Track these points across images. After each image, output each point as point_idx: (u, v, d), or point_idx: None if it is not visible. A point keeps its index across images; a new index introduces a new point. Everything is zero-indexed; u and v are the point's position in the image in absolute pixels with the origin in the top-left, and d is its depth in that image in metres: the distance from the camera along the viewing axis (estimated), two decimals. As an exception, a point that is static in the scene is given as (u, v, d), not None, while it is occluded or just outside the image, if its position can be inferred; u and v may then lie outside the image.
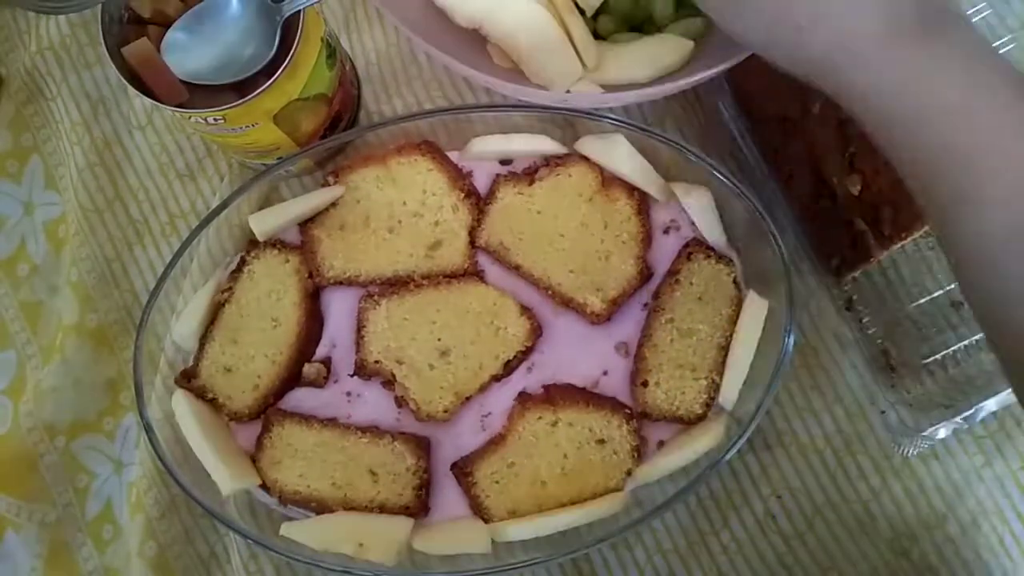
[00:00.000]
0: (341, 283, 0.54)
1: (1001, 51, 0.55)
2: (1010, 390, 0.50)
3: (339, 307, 0.55)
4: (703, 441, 0.50)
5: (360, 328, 0.53)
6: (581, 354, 0.53)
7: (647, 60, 0.52)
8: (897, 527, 0.53)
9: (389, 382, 0.53)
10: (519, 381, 0.53)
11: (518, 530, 0.50)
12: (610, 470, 0.51)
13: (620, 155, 0.52)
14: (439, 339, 0.53)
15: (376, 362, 0.53)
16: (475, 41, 0.54)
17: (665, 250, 0.54)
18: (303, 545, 0.50)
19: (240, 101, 0.46)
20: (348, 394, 0.54)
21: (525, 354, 0.53)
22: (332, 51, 0.51)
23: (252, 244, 0.55)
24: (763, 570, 0.54)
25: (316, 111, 0.52)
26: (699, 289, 0.52)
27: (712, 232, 0.53)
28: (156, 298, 0.52)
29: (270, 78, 0.46)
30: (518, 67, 0.53)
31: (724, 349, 0.52)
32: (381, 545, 0.49)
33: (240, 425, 0.54)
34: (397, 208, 0.54)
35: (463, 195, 0.54)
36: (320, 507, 0.52)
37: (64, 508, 0.58)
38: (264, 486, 0.53)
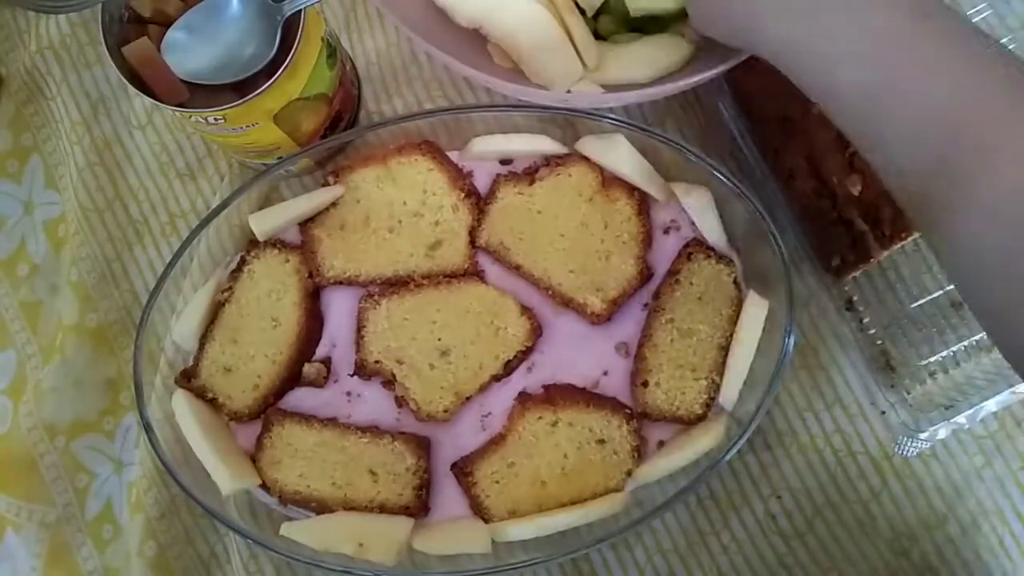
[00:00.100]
0: (341, 283, 0.54)
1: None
2: (1010, 390, 0.50)
3: (339, 307, 0.55)
4: (703, 441, 0.50)
5: (360, 328, 0.53)
6: (581, 354, 0.53)
7: (647, 60, 0.52)
8: (897, 527, 0.53)
9: (389, 382, 0.53)
10: (519, 381, 0.53)
11: (518, 530, 0.50)
12: (610, 470, 0.51)
13: (620, 155, 0.52)
14: (439, 339, 0.53)
15: (376, 362, 0.53)
16: (475, 41, 0.54)
17: (665, 250, 0.54)
18: (303, 545, 0.50)
19: (240, 101, 0.46)
20: (348, 394, 0.54)
21: (525, 354, 0.53)
22: (332, 51, 0.51)
23: (252, 244, 0.55)
24: (763, 570, 0.54)
25: (316, 111, 0.52)
26: (699, 289, 0.52)
27: (712, 232, 0.53)
28: (156, 298, 0.52)
29: (270, 78, 0.46)
30: (518, 67, 0.53)
31: (724, 349, 0.52)
32: (381, 545, 0.49)
33: (240, 425, 0.54)
34: (397, 208, 0.54)
35: (463, 195, 0.54)
36: (320, 507, 0.52)
37: (64, 508, 0.58)
38: (264, 486, 0.53)
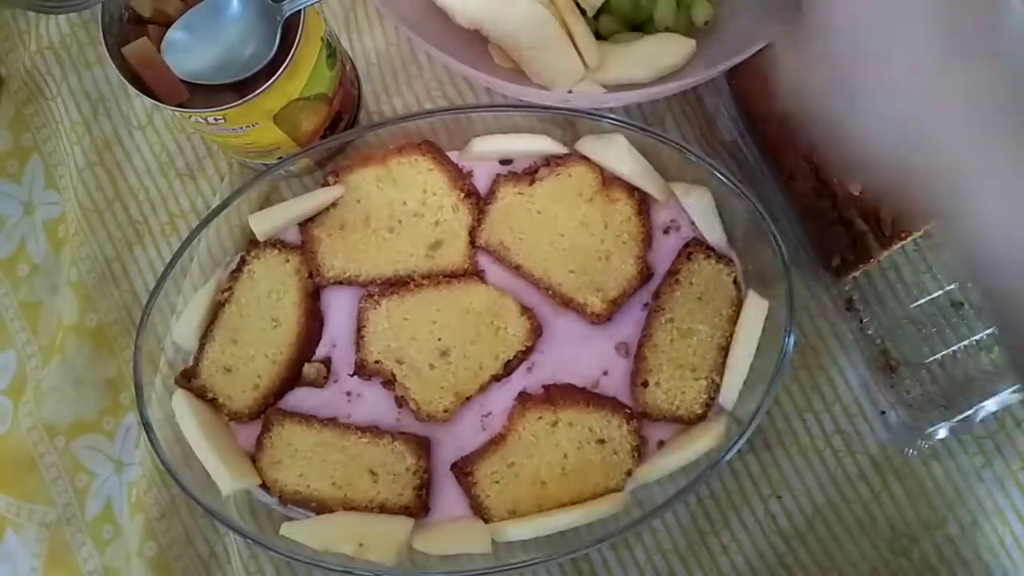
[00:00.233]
0: (341, 283, 0.54)
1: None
2: (1010, 390, 0.50)
3: (339, 307, 0.55)
4: (703, 441, 0.50)
5: (360, 328, 0.53)
6: (581, 354, 0.53)
7: (648, 60, 0.52)
8: (897, 527, 0.53)
9: (389, 382, 0.53)
10: (519, 381, 0.53)
11: (518, 530, 0.50)
12: (610, 470, 0.51)
13: (620, 155, 0.52)
14: (439, 339, 0.53)
15: (376, 362, 0.53)
16: (476, 41, 0.54)
17: (665, 250, 0.54)
18: (303, 545, 0.50)
19: (240, 101, 0.46)
20: (348, 394, 0.54)
21: (525, 354, 0.53)
22: (332, 51, 0.51)
23: (252, 244, 0.55)
24: (763, 570, 0.54)
25: (316, 111, 0.52)
26: (699, 289, 0.52)
27: (712, 232, 0.53)
28: (156, 298, 0.52)
29: (270, 78, 0.46)
30: (519, 67, 0.53)
31: (724, 349, 0.52)
32: (381, 545, 0.49)
33: (240, 425, 0.54)
34: (397, 208, 0.54)
35: (463, 195, 0.54)
36: (320, 507, 0.52)
37: (64, 508, 0.58)
38: (264, 486, 0.53)
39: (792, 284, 0.49)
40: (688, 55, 0.52)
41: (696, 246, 0.53)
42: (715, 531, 0.54)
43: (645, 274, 0.53)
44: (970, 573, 0.53)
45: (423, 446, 0.52)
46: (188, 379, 0.53)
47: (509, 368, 0.53)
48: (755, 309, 0.51)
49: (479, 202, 0.54)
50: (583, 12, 0.53)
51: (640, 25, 0.55)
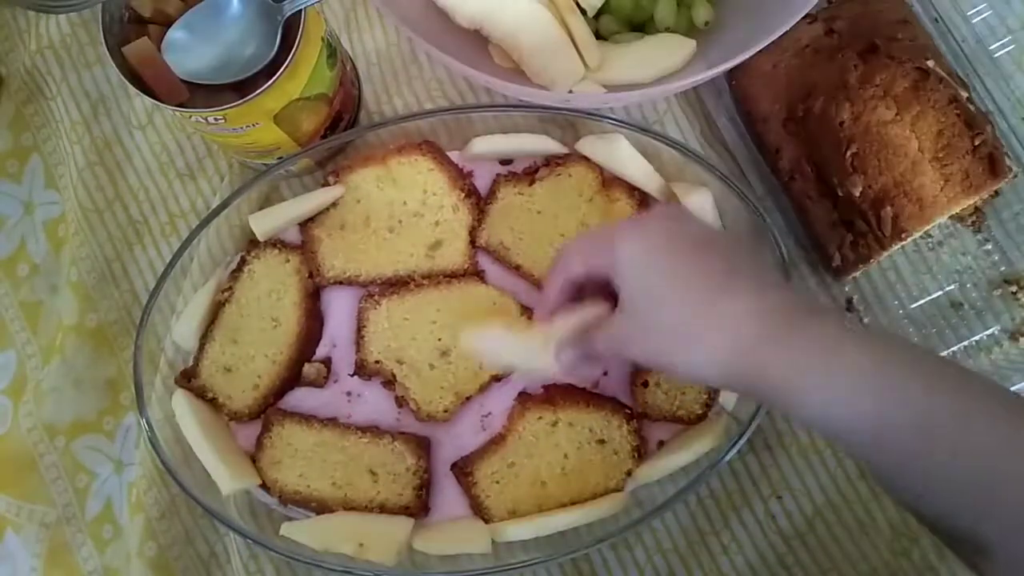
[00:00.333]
0: (341, 283, 0.54)
1: (1001, 51, 0.56)
2: (1011, 389, 0.50)
3: (339, 307, 0.55)
4: (703, 441, 0.50)
5: (360, 328, 0.53)
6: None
7: (648, 60, 0.52)
8: (897, 527, 0.53)
9: (389, 382, 0.53)
10: (519, 381, 0.53)
11: (518, 530, 0.50)
12: (610, 470, 0.51)
13: (620, 155, 0.52)
14: (439, 339, 0.53)
15: (376, 362, 0.53)
16: (476, 41, 0.54)
17: (665, 250, 0.54)
18: (303, 545, 0.50)
19: (241, 101, 0.46)
20: (348, 394, 0.54)
21: (525, 354, 0.53)
22: (333, 51, 0.51)
23: (252, 244, 0.55)
24: (763, 570, 0.54)
25: (317, 111, 0.52)
26: (699, 289, 0.52)
27: (712, 232, 0.53)
28: (156, 298, 0.52)
29: (271, 78, 0.46)
30: (519, 67, 0.53)
31: (724, 349, 0.52)
32: (381, 545, 0.49)
33: (240, 425, 0.54)
34: (397, 208, 0.54)
35: (463, 195, 0.54)
36: (320, 507, 0.52)
37: (64, 508, 0.58)
38: (264, 486, 0.53)
39: (792, 284, 0.49)
40: (688, 55, 0.52)
41: (696, 246, 0.53)
42: (715, 531, 0.54)
43: (645, 274, 0.53)
44: (970, 573, 0.53)
45: (423, 446, 0.52)
46: (188, 379, 0.53)
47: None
48: (755, 309, 0.50)
49: (479, 202, 0.54)
50: (583, 12, 0.53)
51: (640, 25, 0.55)
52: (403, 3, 0.52)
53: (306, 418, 0.53)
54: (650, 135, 0.51)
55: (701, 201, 0.52)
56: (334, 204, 0.54)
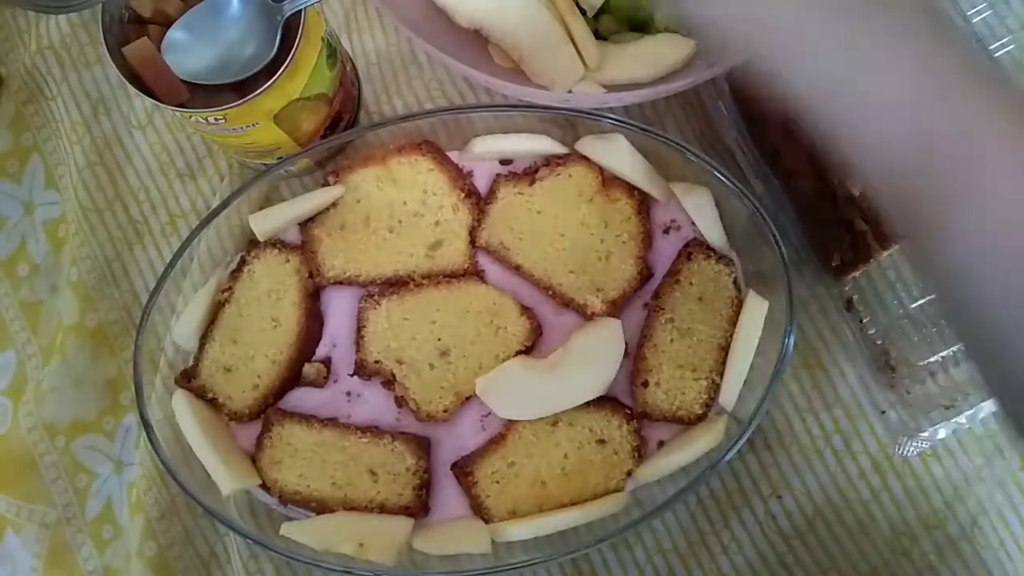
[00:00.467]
0: (341, 283, 0.54)
1: (1001, 51, 0.55)
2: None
3: (339, 307, 0.55)
4: (703, 441, 0.50)
5: (360, 328, 0.53)
6: (581, 354, 0.53)
7: (648, 60, 0.52)
8: (897, 527, 0.53)
9: (389, 382, 0.53)
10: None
11: (518, 530, 0.50)
12: (610, 470, 0.51)
13: (620, 155, 0.52)
14: (439, 339, 0.53)
15: (376, 362, 0.53)
16: (476, 41, 0.54)
17: (665, 250, 0.54)
18: (303, 545, 0.50)
19: (241, 101, 0.46)
20: (348, 394, 0.54)
21: (525, 354, 0.53)
22: (333, 51, 0.51)
23: (252, 244, 0.55)
24: (763, 570, 0.54)
25: (317, 111, 0.52)
26: (699, 289, 0.52)
27: (712, 232, 0.53)
28: (156, 298, 0.52)
29: (271, 78, 0.46)
30: (519, 67, 0.53)
31: (724, 349, 0.52)
32: (381, 545, 0.49)
33: (240, 425, 0.54)
34: (397, 208, 0.54)
35: (463, 195, 0.54)
36: (320, 507, 0.52)
37: (64, 508, 0.58)
38: (264, 486, 0.53)
39: (792, 284, 0.49)
40: (688, 55, 0.52)
41: (696, 246, 0.53)
42: (715, 531, 0.54)
43: (645, 274, 0.53)
44: (970, 573, 0.53)
45: (423, 446, 0.52)
46: (188, 379, 0.53)
47: (509, 368, 0.53)
48: (755, 309, 0.51)
49: (479, 202, 0.54)
50: (583, 12, 0.53)
51: (640, 25, 0.55)
52: (403, 3, 0.52)
53: (306, 418, 0.53)
54: (650, 135, 0.51)
55: (701, 201, 0.52)
56: (334, 204, 0.54)
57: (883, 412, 0.54)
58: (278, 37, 0.46)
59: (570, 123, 0.54)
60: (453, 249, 0.54)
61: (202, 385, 0.53)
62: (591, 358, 0.51)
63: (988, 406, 0.51)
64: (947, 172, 0.31)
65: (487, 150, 0.54)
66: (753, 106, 0.54)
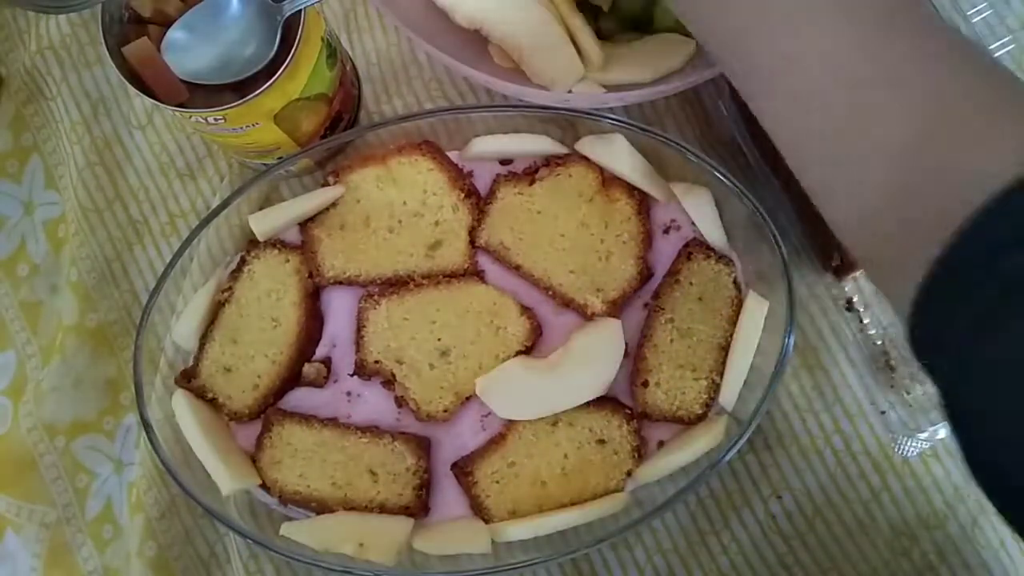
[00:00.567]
0: (341, 283, 0.54)
1: (1001, 51, 0.55)
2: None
3: (339, 307, 0.55)
4: (703, 441, 0.50)
5: (360, 328, 0.53)
6: (581, 354, 0.53)
7: (648, 60, 0.52)
8: (897, 527, 0.53)
9: (389, 382, 0.53)
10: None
11: (518, 530, 0.50)
12: (610, 470, 0.51)
13: (620, 155, 0.52)
14: (439, 339, 0.53)
15: (376, 362, 0.53)
16: (476, 41, 0.54)
17: (665, 250, 0.54)
18: (303, 545, 0.50)
19: (240, 101, 0.46)
20: (348, 394, 0.54)
21: (525, 354, 0.53)
22: (332, 51, 0.51)
23: (252, 244, 0.55)
24: (763, 570, 0.54)
25: (316, 111, 0.52)
26: (699, 289, 0.52)
27: (712, 232, 0.53)
28: (156, 298, 0.52)
29: (270, 78, 0.46)
30: (519, 67, 0.53)
31: (724, 349, 0.52)
32: (381, 545, 0.49)
33: (240, 425, 0.54)
34: (397, 208, 0.54)
35: (463, 195, 0.54)
36: (320, 507, 0.52)
37: (64, 508, 0.58)
38: (264, 486, 0.53)
39: (792, 284, 0.49)
40: (688, 55, 0.52)
41: (696, 246, 0.53)
42: (715, 531, 0.54)
43: (645, 274, 0.53)
44: (970, 573, 0.53)
45: (423, 446, 0.52)
46: (188, 379, 0.53)
47: (509, 368, 0.53)
48: (755, 309, 0.51)
49: (479, 202, 0.54)
50: (589, 11, 0.53)
51: (640, 25, 0.55)
52: (403, 3, 0.52)
53: (306, 418, 0.53)
54: (650, 135, 0.51)
55: (701, 201, 0.52)
56: (334, 204, 0.54)
57: (883, 412, 0.54)
58: (278, 37, 0.46)
59: (570, 123, 0.54)
60: (453, 249, 0.54)
61: (202, 385, 0.53)
62: (591, 358, 0.51)
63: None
64: (923, 224, 0.31)
65: (487, 150, 0.54)
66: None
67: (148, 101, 0.46)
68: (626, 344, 0.53)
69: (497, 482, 0.52)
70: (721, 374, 0.51)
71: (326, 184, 0.55)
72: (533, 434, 0.52)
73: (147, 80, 0.46)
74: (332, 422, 0.53)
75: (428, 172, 0.54)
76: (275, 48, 0.46)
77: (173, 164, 0.60)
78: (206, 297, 0.53)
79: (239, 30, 0.47)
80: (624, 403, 0.52)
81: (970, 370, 0.29)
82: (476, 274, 0.54)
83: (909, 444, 0.52)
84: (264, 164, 0.55)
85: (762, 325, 0.50)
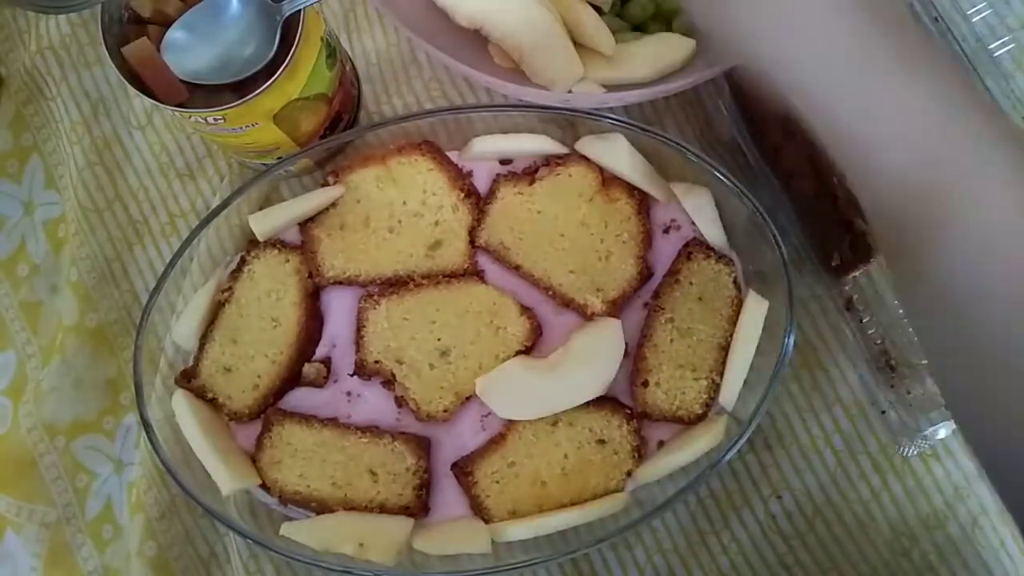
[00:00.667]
0: (341, 283, 0.54)
1: (1001, 51, 0.55)
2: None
3: (339, 307, 0.55)
4: (703, 441, 0.50)
5: (360, 328, 0.53)
6: (581, 354, 0.53)
7: (648, 60, 0.52)
8: (897, 527, 0.53)
9: (389, 382, 0.53)
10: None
11: (518, 530, 0.50)
12: (610, 470, 0.51)
13: (620, 155, 0.52)
14: (439, 339, 0.53)
15: (376, 362, 0.53)
16: (475, 41, 0.54)
17: (665, 250, 0.54)
18: (303, 545, 0.50)
19: (240, 101, 0.46)
20: (348, 394, 0.54)
21: (525, 354, 0.53)
22: (332, 51, 0.51)
23: (252, 244, 0.55)
24: (763, 570, 0.54)
25: (316, 111, 0.52)
26: (699, 289, 0.52)
27: (712, 232, 0.53)
28: (156, 298, 0.52)
29: (270, 78, 0.46)
30: (519, 67, 0.53)
31: (724, 349, 0.52)
32: (381, 545, 0.49)
33: (240, 425, 0.54)
34: (397, 208, 0.54)
35: (463, 195, 0.54)
36: (320, 507, 0.52)
37: (64, 508, 0.58)
38: (264, 486, 0.53)
39: (792, 284, 0.49)
40: (688, 55, 0.52)
41: (696, 246, 0.53)
42: (715, 531, 0.54)
43: (645, 274, 0.53)
44: (970, 573, 0.53)
45: (423, 446, 0.52)
46: (188, 379, 0.53)
47: (509, 368, 0.53)
48: (755, 309, 0.51)
49: (479, 202, 0.54)
50: (595, 8, 0.53)
51: (640, 25, 0.55)
52: (403, 3, 0.52)
53: (306, 418, 0.53)
54: (650, 135, 0.51)
55: (701, 201, 0.52)
56: (334, 204, 0.54)
57: (883, 412, 0.54)
58: (277, 37, 0.46)
59: (570, 123, 0.54)
60: (453, 249, 0.54)
61: (202, 385, 0.53)
62: (591, 358, 0.51)
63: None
64: (945, 200, 0.32)
65: (487, 150, 0.54)
66: (753, 106, 0.54)
67: (148, 101, 0.46)
68: (626, 344, 0.53)
69: (497, 482, 0.52)
70: (721, 374, 0.51)
71: (326, 184, 0.55)
72: (533, 434, 0.52)
73: (147, 80, 0.46)
74: (332, 422, 0.53)
75: (428, 172, 0.54)
76: (275, 48, 0.47)
77: (173, 164, 0.60)
78: (206, 297, 0.53)
79: (239, 30, 0.47)
80: (624, 403, 0.52)
81: None
82: (476, 274, 0.54)
83: (909, 444, 0.52)
84: (264, 164, 0.55)
85: (762, 325, 0.50)
